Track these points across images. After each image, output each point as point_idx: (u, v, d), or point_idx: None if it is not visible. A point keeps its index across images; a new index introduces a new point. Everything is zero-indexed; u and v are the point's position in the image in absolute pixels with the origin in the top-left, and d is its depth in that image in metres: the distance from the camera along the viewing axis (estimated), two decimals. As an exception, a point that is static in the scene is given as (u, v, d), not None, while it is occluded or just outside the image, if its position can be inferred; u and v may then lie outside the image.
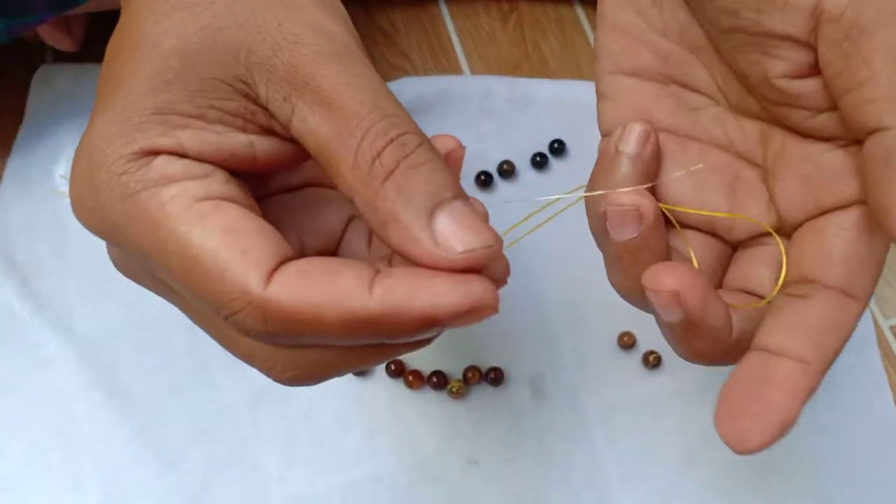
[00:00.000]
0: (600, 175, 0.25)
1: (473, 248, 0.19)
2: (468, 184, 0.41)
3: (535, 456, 0.36)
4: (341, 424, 0.36)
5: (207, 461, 0.35)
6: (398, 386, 0.37)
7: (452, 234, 0.19)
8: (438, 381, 0.37)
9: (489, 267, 0.19)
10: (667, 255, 0.24)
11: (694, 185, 0.25)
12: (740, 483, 0.36)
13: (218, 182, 0.20)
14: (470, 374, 0.37)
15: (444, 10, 0.46)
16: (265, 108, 0.20)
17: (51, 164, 0.40)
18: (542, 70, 0.45)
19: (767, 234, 0.25)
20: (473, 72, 0.45)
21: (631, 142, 0.24)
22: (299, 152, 0.21)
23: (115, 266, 0.23)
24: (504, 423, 0.36)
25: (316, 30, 0.20)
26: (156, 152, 0.20)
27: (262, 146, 0.21)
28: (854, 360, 0.39)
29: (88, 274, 0.38)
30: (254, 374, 0.37)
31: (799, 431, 0.37)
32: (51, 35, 0.40)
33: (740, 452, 0.22)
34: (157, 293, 0.23)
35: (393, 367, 0.37)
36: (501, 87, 0.43)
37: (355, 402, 0.36)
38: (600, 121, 0.27)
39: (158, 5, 0.21)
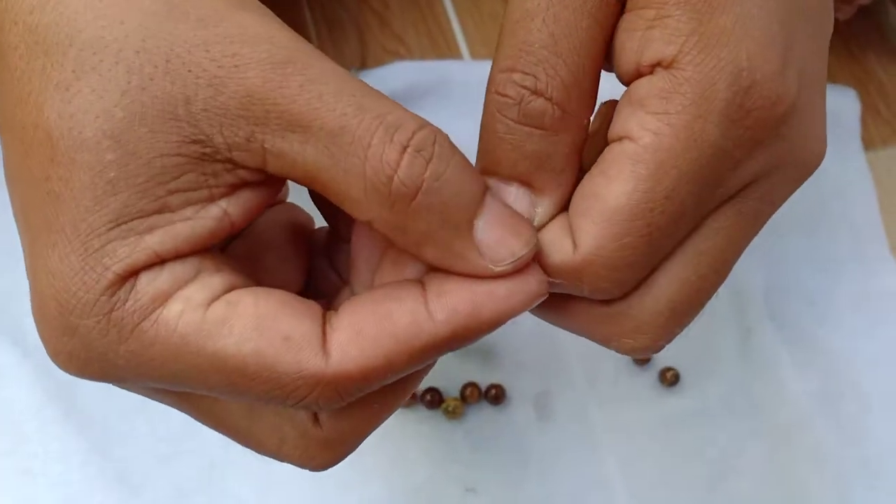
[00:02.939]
0: None
1: (521, 254, 0.18)
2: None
3: (540, 483, 0.33)
4: (324, 447, 0.33)
5: (174, 487, 0.32)
6: (388, 404, 0.34)
7: (497, 244, 0.18)
8: (433, 399, 0.34)
9: None
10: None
11: None
12: (765, 513, 0.33)
13: (211, 275, 0.18)
14: (468, 392, 0.34)
15: (443, -12, 0.43)
16: (227, 161, 0.17)
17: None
18: (549, 55, 0.42)
19: None
20: (474, 56, 0.42)
21: None
22: (270, 192, 0.19)
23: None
24: (505, 447, 0.34)
25: (250, 40, 0.17)
26: (133, 274, 0.17)
27: (235, 208, 0.18)
28: (883, 372, 0.36)
29: (44, 277, 0.35)
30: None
31: (827, 457, 0.34)
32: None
33: None
34: (156, 399, 0.21)
35: (382, 384, 0.34)
36: (504, 73, 0.40)
37: (340, 422, 0.34)
38: None
39: (54, 74, 0.16)
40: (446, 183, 0.17)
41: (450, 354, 0.35)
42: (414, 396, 0.34)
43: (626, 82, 0.19)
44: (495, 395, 0.34)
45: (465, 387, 0.34)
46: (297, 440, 0.19)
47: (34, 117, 0.17)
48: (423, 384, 0.34)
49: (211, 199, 0.17)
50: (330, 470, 0.32)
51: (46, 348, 0.18)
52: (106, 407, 0.33)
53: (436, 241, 0.17)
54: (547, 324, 0.35)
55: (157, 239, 0.17)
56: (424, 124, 0.17)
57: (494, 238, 0.17)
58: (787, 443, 0.34)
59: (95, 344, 0.17)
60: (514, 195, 0.18)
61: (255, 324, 0.17)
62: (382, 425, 0.34)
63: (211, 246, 0.18)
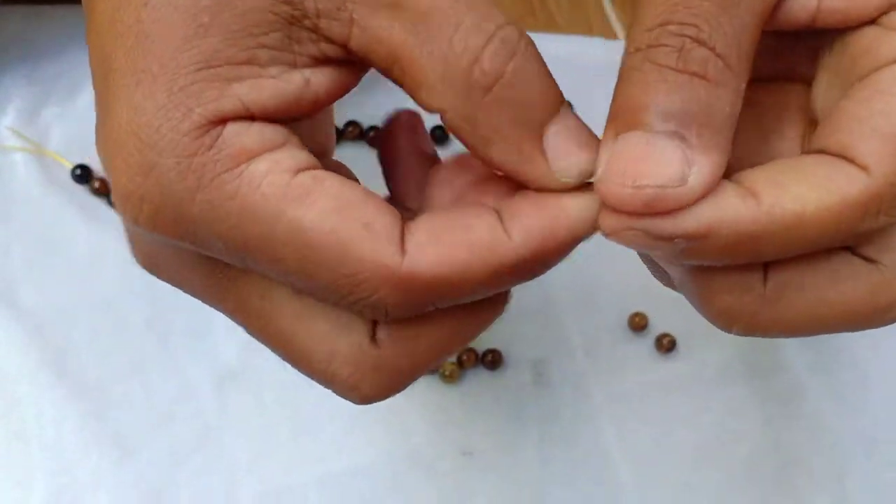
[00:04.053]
0: None
1: (588, 169, 0.17)
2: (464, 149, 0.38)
3: (537, 447, 0.33)
4: (320, 410, 0.33)
5: (169, 449, 0.32)
6: (385, 368, 0.34)
7: (566, 154, 0.17)
8: None
9: None
10: None
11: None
12: (761, 478, 0.34)
13: (298, 148, 0.18)
14: (465, 357, 0.34)
15: (440, -44, 0.43)
16: (313, 31, 0.17)
17: (-4, 116, 0.36)
18: (549, 27, 0.41)
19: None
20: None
21: None
22: (349, 76, 0.18)
23: (148, 268, 0.20)
24: (502, 411, 0.34)
25: None
26: (220, 121, 0.17)
27: (318, 79, 0.18)
28: (880, 340, 0.36)
29: (36, 240, 0.34)
30: (221, 352, 0.34)
31: (826, 425, 0.34)
32: (-3, -29, 0.36)
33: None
34: (211, 303, 0.20)
35: (379, 348, 0.34)
36: (503, 42, 0.40)
37: (336, 385, 0.33)
38: None
39: None
40: (526, 80, 0.17)
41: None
42: (411, 361, 0.34)
43: (859, 22, 0.18)
44: (492, 361, 0.34)
45: (461, 351, 0.34)
46: (350, 356, 0.18)
47: None
48: (420, 348, 0.34)
49: (295, 65, 0.17)
50: (326, 432, 0.33)
51: (116, 192, 0.17)
52: (100, 370, 0.33)
53: (505, 139, 0.17)
54: (544, 289, 0.35)
55: (245, 89, 0.17)
56: (513, 21, 0.17)
57: (564, 148, 0.17)
58: (783, 411, 0.35)
59: (172, 187, 0.17)
60: (666, 149, 0.16)
61: (338, 203, 0.17)
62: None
63: (295, 115, 0.18)
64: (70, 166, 0.35)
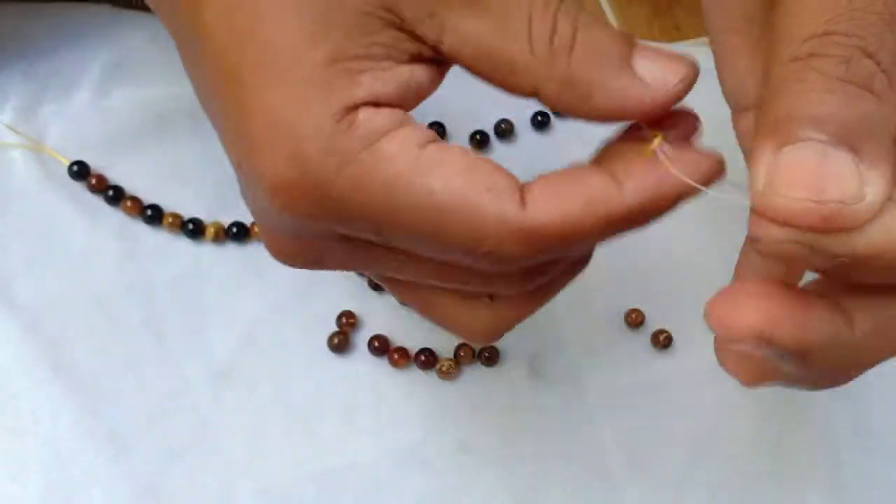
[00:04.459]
0: None
1: (685, 74, 0.19)
2: (461, 144, 0.38)
3: (533, 443, 0.33)
4: (317, 406, 0.33)
5: (165, 446, 0.32)
6: (381, 364, 0.34)
7: (662, 68, 0.19)
8: (427, 359, 0.34)
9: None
10: None
11: None
12: (756, 474, 0.34)
13: (418, 125, 0.20)
14: (462, 353, 0.34)
15: (437, -45, 0.43)
16: (410, 33, 0.19)
17: (-7, 113, 0.36)
18: (544, 23, 0.41)
19: None
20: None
21: None
22: (440, 75, 0.21)
23: (284, 260, 0.22)
24: (499, 407, 0.34)
25: None
26: (354, 107, 0.19)
27: (419, 74, 0.20)
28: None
29: (33, 237, 0.34)
30: (216, 349, 0.34)
31: (821, 419, 0.34)
32: (-5, -33, 0.36)
33: None
34: (354, 268, 0.23)
35: (376, 344, 0.34)
36: (500, 38, 0.40)
37: (333, 381, 0.34)
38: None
39: None
40: (595, 29, 0.19)
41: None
42: (408, 357, 0.34)
43: None
44: (489, 357, 0.34)
45: (458, 347, 0.34)
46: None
47: None
48: (418, 344, 0.34)
49: (401, 61, 0.19)
50: (323, 429, 0.33)
51: (264, 186, 0.19)
52: (96, 366, 0.33)
53: (604, 83, 0.19)
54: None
55: (369, 80, 0.19)
56: None
57: (657, 65, 0.19)
58: (778, 406, 0.35)
59: (318, 170, 0.18)
60: (843, 163, 0.16)
61: (463, 170, 0.19)
62: (375, 385, 0.35)
63: (407, 105, 0.20)
64: (67, 163, 0.35)
